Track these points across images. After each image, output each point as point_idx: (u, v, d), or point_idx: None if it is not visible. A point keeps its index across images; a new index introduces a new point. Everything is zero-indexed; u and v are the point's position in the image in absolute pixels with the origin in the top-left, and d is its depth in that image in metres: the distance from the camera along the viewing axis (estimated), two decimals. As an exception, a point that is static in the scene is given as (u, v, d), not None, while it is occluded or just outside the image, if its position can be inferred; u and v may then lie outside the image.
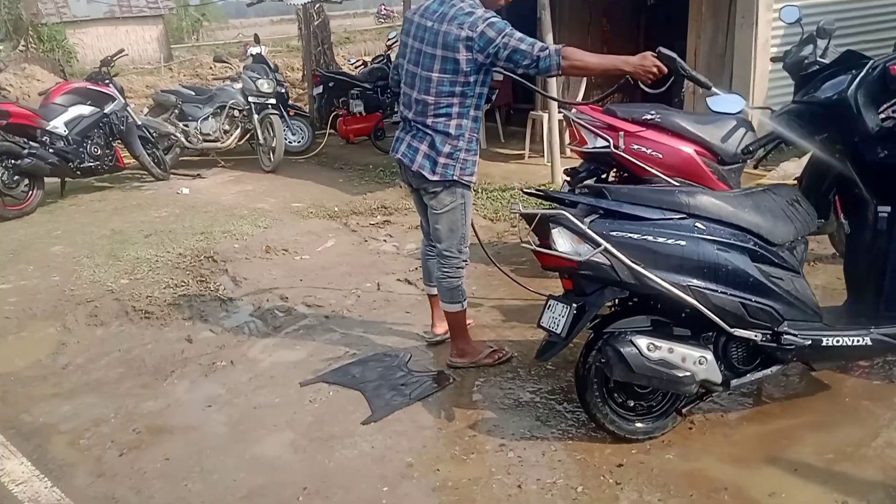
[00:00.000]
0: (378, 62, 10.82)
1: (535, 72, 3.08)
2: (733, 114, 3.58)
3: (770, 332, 2.79)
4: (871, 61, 2.98)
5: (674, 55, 2.98)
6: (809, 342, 2.80)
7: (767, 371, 2.89)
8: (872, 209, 3.09)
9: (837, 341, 2.84)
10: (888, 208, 3.05)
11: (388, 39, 10.99)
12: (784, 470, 2.72)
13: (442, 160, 3.29)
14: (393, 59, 11.70)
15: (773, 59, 4.61)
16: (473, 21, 3.09)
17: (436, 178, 3.31)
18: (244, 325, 4.36)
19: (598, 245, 2.62)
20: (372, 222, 6.21)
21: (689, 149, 4.18)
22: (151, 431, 3.27)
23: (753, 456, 2.81)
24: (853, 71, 3.01)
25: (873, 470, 2.68)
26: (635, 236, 2.66)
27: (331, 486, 2.80)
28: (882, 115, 2.98)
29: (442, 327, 3.87)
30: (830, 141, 3.13)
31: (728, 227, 2.75)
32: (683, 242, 2.68)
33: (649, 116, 4.22)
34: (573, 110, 4.52)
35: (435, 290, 3.74)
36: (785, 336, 2.79)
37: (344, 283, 4.87)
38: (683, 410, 2.92)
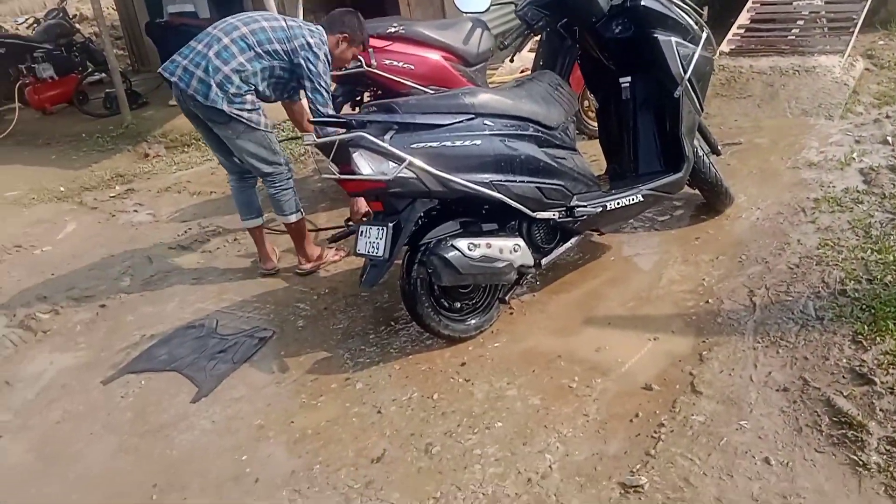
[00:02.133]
0: (54, 17, 9.44)
1: None
2: (481, 11, 3.72)
3: (564, 208, 3.03)
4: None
5: None
6: (599, 210, 3.09)
7: (568, 244, 3.16)
8: (615, 82, 3.44)
9: (618, 203, 3.17)
10: (629, 79, 3.42)
11: (60, -10, 9.63)
12: (600, 326, 3.04)
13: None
14: (69, 11, 10.41)
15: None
16: None
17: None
18: (1, 339, 3.74)
19: (403, 160, 2.62)
20: (112, 195, 5.58)
21: (436, 55, 4.27)
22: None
23: (571, 322, 3.09)
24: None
25: (667, 306, 3.09)
26: (435, 144, 2.70)
27: (182, 474, 2.58)
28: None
29: (273, 259, 3.96)
30: (571, 25, 3.38)
31: (512, 119, 2.89)
32: (479, 142, 2.78)
33: (393, 29, 4.22)
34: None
35: (255, 223, 3.87)
36: (577, 209, 3.05)
37: (108, 265, 4.36)
38: (506, 298, 3.10)
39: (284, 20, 3.57)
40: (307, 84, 3.44)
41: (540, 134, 2.96)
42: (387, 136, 2.65)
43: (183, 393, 3.04)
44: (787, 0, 6.06)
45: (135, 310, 3.81)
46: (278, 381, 3.02)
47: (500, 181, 2.80)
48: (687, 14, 3.32)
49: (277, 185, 3.65)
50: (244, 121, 3.43)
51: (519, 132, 2.89)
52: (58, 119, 8.31)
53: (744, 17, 6.00)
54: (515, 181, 2.84)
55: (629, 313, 3.09)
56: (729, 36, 5.85)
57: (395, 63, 4.18)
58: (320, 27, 3.58)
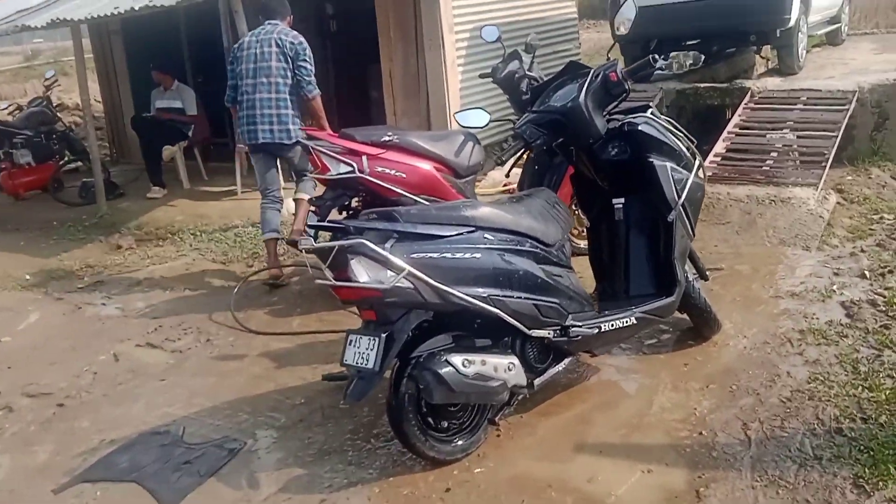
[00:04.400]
0: (37, 105, 9.45)
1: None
2: (481, 127, 3.78)
3: (559, 327, 2.97)
4: (593, 70, 3.32)
5: None
6: (595, 331, 3.03)
7: (562, 365, 3.07)
8: (609, 203, 3.46)
9: (612, 325, 3.12)
10: (622, 200, 3.44)
11: (46, 79, 9.68)
12: (591, 454, 2.91)
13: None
14: (53, 99, 10.44)
15: (482, 76, 4.95)
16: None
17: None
18: (-54, 436, 3.47)
19: (402, 269, 2.56)
20: (79, 286, 5.39)
21: (428, 166, 4.31)
22: None
23: (562, 448, 2.96)
24: (579, 80, 3.34)
25: (659, 435, 2.99)
26: (435, 255, 2.65)
27: None
28: (607, 118, 3.35)
29: (281, 271, 5.03)
30: (567, 144, 3.43)
31: (511, 234, 2.87)
32: (478, 255, 2.74)
33: (387, 138, 4.26)
34: (309, 137, 4.39)
35: (273, 235, 5.01)
36: (573, 329, 2.99)
37: (70, 361, 4.13)
38: (496, 419, 2.97)
39: (269, 37, 4.92)
40: (303, 73, 4.91)
41: (538, 250, 2.93)
42: (387, 244, 2.59)
43: (142, 508, 2.81)
44: (760, 132, 6.33)
45: (96, 411, 3.58)
46: (247, 499, 2.80)
47: (498, 296, 2.74)
48: (680, 140, 3.40)
49: (307, 175, 5.02)
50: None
51: (518, 247, 2.86)
52: (31, 205, 8.16)
53: (720, 146, 6.23)
54: (513, 297, 2.78)
55: (621, 441, 2.97)
56: (706, 163, 6.02)
57: (388, 171, 4.19)
58: (275, 20, 5.01)
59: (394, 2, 7.39)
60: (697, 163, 3.43)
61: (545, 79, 3.85)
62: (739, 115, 6.58)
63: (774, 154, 6.10)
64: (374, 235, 2.64)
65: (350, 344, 2.74)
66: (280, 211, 5.21)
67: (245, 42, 5.06)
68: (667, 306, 3.32)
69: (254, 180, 5.35)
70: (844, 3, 8.89)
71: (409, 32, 7.43)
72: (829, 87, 6.60)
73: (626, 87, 3.24)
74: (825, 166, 5.71)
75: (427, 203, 4.16)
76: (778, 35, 6.72)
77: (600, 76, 3.26)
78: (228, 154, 8.10)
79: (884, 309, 3.86)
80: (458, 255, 2.69)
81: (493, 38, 4.80)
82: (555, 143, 3.45)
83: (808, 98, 6.58)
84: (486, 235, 2.79)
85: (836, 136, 5.96)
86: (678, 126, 3.46)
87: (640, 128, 3.26)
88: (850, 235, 5.05)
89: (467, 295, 2.67)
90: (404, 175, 4.23)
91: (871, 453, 2.66)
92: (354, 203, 4.53)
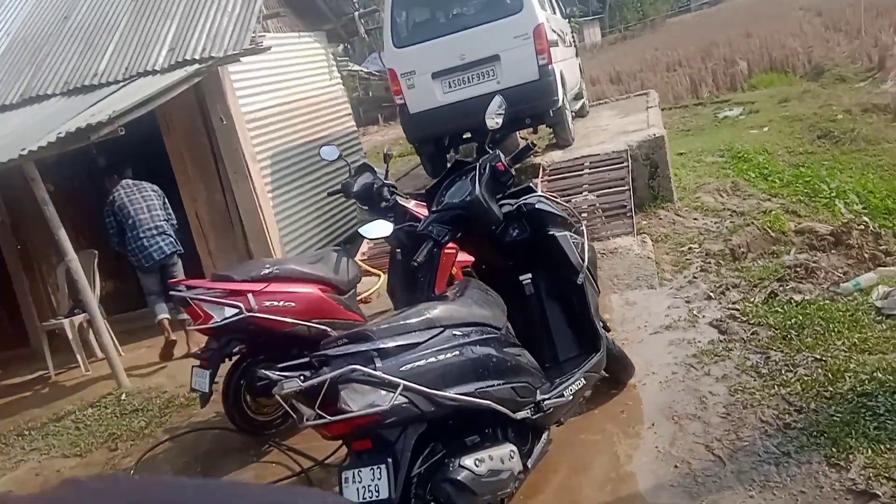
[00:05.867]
0: None
1: None
2: (385, 237, 3.80)
3: (534, 404, 3.02)
4: (479, 163, 3.53)
5: None
6: (562, 400, 3.13)
7: (543, 441, 3.11)
8: (516, 281, 3.65)
9: (571, 391, 3.24)
10: (529, 275, 3.64)
11: None
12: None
13: None
14: None
15: (331, 193, 4.99)
16: None
17: None
18: None
19: (397, 385, 2.48)
20: None
21: (314, 289, 4.22)
22: None
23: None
24: (468, 175, 3.53)
25: (643, 480, 3.16)
26: (421, 363, 2.60)
27: None
28: (501, 203, 3.56)
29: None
30: (472, 233, 3.58)
31: (472, 326, 2.90)
32: (456, 352, 2.73)
33: (267, 270, 4.12)
34: (183, 288, 4.08)
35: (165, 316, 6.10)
36: (545, 403, 3.05)
37: None
38: (503, 513, 2.91)
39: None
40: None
41: (497, 335, 2.99)
42: (378, 364, 2.50)
43: None
44: (565, 199, 6.98)
45: None
46: None
47: (483, 388, 2.74)
48: (565, 210, 3.71)
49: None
50: None
51: (482, 337, 2.89)
52: None
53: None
54: (494, 385, 2.80)
55: (614, 498, 3.07)
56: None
57: (276, 303, 4.03)
58: None
59: (186, 142, 7.21)
60: (582, 227, 3.75)
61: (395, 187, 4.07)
62: (541, 189, 7.24)
63: (584, 215, 6.77)
64: (356, 360, 2.53)
65: (348, 481, 2.55)
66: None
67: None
68: (600, 361, 3.53)
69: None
70: (581, 80, 10.28)
71: (209, 168, 7.25)
72: (605, 150, 7.55)
73: (513, 174, 3.49)
74: (631, 216, 6.47)
75: (323, 326, 4.07)
76: (552, 115, 7.58)
77: (488, 168, 3.48)
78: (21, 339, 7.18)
79: (744, 320, 4.43)
80: (440, 358, 2.66)
81: (333, 157, 4.89)
82: (458, 235, 3.60)
83: (590, 163, 7.45)
84: (453, 332, 2.80)
85: (629, 189, 6.80)
86: (556, 198, 3.77)
87: (537, 206, 3.50)
88: (675, 269, 5.73)
89: (459, 394, 2.64)
90: (294, 304, 4.09)
91: (826, 435, 3.01)
92: (239, 347, 4.26)
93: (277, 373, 2.79)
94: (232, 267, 4.29)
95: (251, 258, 7.05)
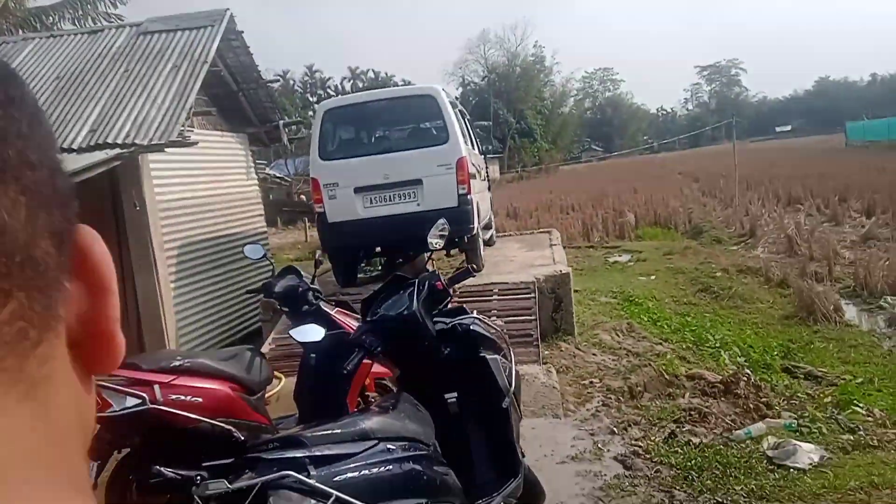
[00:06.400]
0: None
1: None
2: (317, 341, 3.71)
3: (466, 523, 2.95)
4: (417, 280, 3.58)
5: None
6: (487, 520, 3.07)
7: (462, 565, 3.00)
8: (440, 399, 3.63)
9: (496, 513, 3.19)
10: (455, 394, 3.64)
11: None
12: None
13: None
14: None
15: (250, 291, 4.88)
16: None
17: None
18: None
19: (330, 496, 2.37)
20: None
21: (223, 387, 4.02)
22: None
23: None
24: (406, 290, 3.56)
25: None
26: (355, 475, 2.52)
27: None
28: (435, 321, 3.60)
29: None
30: (402, 347, 3.57)
31: (405, 441, 2.84)
32: (390, 467, 2.66)
33: (178, 362, 3.91)
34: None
35: None
36: (476, 522, 2.99)
37: None
38: None
39: None
40: None
41: (427, 452, 2.94)
42: (311, 472, 2.39)
43: None
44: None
45: None
46: None
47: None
48: (495, 333, 3.78)
49: None
50: None
51: (415, 453, 2.83)
52: None
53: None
54: (431, 501, 2.72)
55: None
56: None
57: (182, 397, 3.81)
58: None
59: (91, 225, 6.88)
60: (511, 351, 3.82)
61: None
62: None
63: (492, 339, 6.89)
64: (292, 465, 2.42)
65: None
66: None
67: None
68: (518, 487, 3.50)
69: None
70: (491, 212, 10.73)
71: (111, 253, 6.91)
72: (514, 279, 7.80)
73: (450, 293, 3.57)
74: (537, 345, 6.64)
75: (229, 426, 3.87)
76: (466, 241, 7.83)
77: (427, 285, 3.54)
78: None
79: (648, 457, 4.55)
80: (374, 471, 2.58)
81: (258, 256, 4.82)
82: (388, 348, 3.58)
83: (499, 289, 7.66)
84: (388, 446, 2.73)
85: (536, 319, 7.01)
86: (488, 321, 3.85)
87: (472, 328, 3.56)
88: (578, 401, 5.87)
89: (393, 509, 2.55)
90: (201, 399, 3.88)
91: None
92: (136, 441, 3.95)
93: (172, 471, 2.65)
94: (141, 356, 4.04)
95: (143, 349, 6.69)
